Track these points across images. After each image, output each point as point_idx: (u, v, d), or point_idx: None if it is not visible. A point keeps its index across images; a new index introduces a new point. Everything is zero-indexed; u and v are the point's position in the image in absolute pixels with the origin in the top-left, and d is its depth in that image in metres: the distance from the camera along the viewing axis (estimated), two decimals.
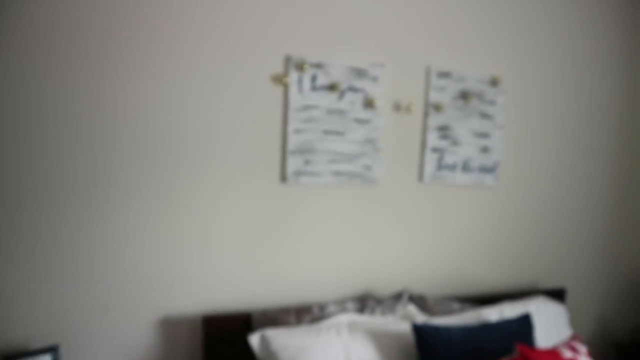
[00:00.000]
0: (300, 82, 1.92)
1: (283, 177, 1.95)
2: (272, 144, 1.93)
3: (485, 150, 2.31)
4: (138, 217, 1.78)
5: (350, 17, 1.99)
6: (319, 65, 1.94)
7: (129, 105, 1.73)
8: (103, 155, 1.72)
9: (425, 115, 2.18)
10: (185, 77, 1.78)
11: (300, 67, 1.90)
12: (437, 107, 2.17)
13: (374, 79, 2.04)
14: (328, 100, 1.97)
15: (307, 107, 1.94)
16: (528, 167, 2.42)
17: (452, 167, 2.25)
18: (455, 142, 2.24)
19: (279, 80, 1.90)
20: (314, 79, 1.94)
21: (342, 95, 1.99)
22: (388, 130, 2.10)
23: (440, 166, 2.22)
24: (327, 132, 1.98)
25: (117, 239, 1.76)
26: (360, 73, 2.02)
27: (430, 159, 2.20)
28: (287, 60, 1.91)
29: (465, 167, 2.28)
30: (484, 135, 2.30)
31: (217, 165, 1.86)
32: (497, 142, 2.33)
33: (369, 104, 2.04)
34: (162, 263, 1.82)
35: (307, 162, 1.96)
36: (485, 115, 2.29)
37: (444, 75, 2.19)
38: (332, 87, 1.97)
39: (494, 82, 2.28)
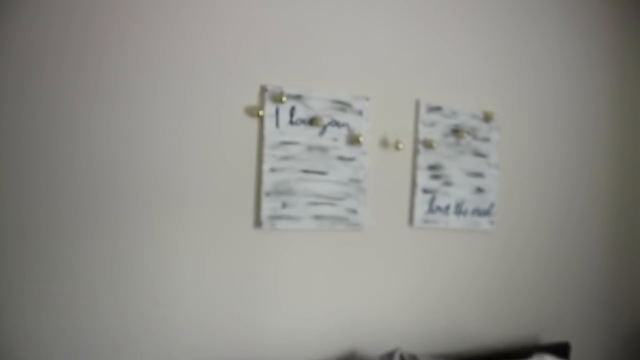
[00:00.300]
0: (277, 115, 1.72)
1: (257, 222, 1.72)
2: (245, 185, 1.70)
3: (479, 191, 2.12)
4: (84, 268, 1.51)
5: (333, 47, 1.82)
6: (298, 97, 1.75)
7: (95, 139, 1.49)
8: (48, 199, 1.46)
9: (415, 152, 1.99)
10: (149, 107, 1.56)
11: (277, 98, 1.70)
12: (428, 144, 1.99)
13: (359, 113, 1.86)
14: (308, 135, 1.77)
15: (284, 143, 1.73)
16: (525, 210, 2.24)
17: (444, 210, 2.05)
18: (447, 183, 2.05)
19: (254, 112, 1.69)
20: (292, 112, 1.74)
21: (323, 130, 1.80)
22: (375, 170, 1.90)
23: (432, 209, 2.02)
24: (307, 172, 1.77)
25: (60, 292, 1.48)
26: (343, 106, 1.83)
27: (421, 201, 2.00)
28: (263, 91, 1.71)
29: (459, 209, 2.08)
30: (478, 174, 2.12)
31: (180, 209, 1.61)
32: (492, 183, 2.15)
33: (353, 140, 1.84)
34: (110, 321, 1.54)
35: (284, 205, 1.73)
36: (478, 154, 2.12)
37: (434, 109, 2.02)
38: (312, 121, 1.77)
39: (487, 118, 2.12)
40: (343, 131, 1.83)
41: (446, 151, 2.05)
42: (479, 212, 2.12)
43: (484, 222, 2.13)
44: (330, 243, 1.83)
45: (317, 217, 1.79)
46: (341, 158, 1.83)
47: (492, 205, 2.15)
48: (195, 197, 1.63)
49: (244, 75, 1.69)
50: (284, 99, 1.70)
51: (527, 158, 2.24)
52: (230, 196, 1.68)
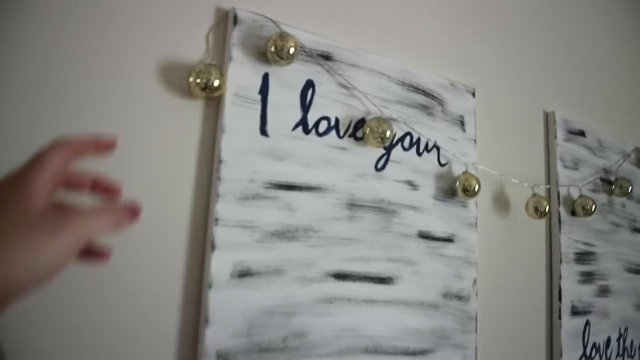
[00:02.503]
0: (263, 98, 0.55)
1: None
2: (156, 326, 0.48)
3: None
4: None
5: None
6: (327, 58, 0.60)
7: None
8: None
9: (553, 223, 0.90)
10: None
11: (270, 49, 0.54)
12: (577, 206, 0.91)
13: (459, 122, 0.74)
14: (349, 168, 0.61)
15: (282, 187, 0.55)
16: None
17: (603, 351, 0.94)
18: (604, 289, 0.96)
19: (195, 85, 0.51)
20: (307, 96, 0.58)
21: (386, 157, 0.65)
22: (489, 266, 0.77)
23: (586, 351, 0.90)
24: (342, 277, 0.59)
25: None
26: (427, 101, 0.70)
27: (570, 335, 0.88)
28: (224, 19, 0.55)
29: (622, 345, 0.98)
30: (638, 269, 1.06)
31: None
32: None
33: (452, 188, 0.71)
34: None
35: None
36: (636, 227, 1.07)
37: (576, 135, 0.97)
38: (357, 131, 0.62)
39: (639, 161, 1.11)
40: (429, 164, 0.69)
41: (598, 222, 0.98)
42: None
43: None
44: None
45: None
46: (426, 236, 0.67)
47: None
48: None
49: None
50: (289, 50, 0.54)
51: None
52: None
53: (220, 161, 0.52)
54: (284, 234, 0.55)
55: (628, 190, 1.00)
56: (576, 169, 0.95)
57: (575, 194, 0.92)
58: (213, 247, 0.51)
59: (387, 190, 0.64)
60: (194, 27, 0.54)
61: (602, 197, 1.00)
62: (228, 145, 0.53)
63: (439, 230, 0.68)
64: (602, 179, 1.01)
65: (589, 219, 0.94)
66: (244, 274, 0.52)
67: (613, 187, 1.01)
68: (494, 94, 0.84)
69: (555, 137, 0.92)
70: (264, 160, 0.55)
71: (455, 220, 0.70)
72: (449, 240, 0.69)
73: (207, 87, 0.50)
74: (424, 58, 0.73)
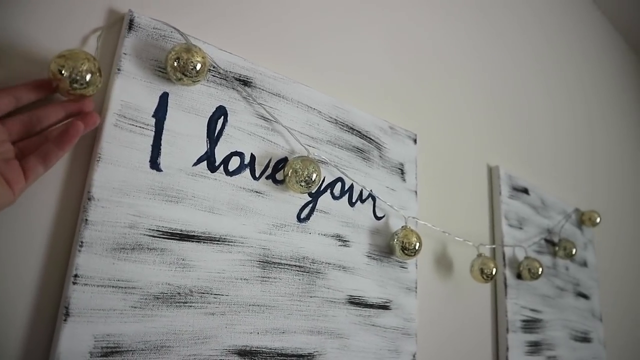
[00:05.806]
0: (159, 120, 0.44)
1: None
2: None
3: None
4: None
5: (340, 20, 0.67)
6: (246, 84, 0.50)
7: None
8: None
9: (499, 287, 0.82)
10: None
11: (171, 62, 0.44)
12: (523, 268, 0.84)
13: (398, 170, 0.66)
14: (265, 216, 0.50)
15: (172, 236, 0.43)
16: None
17: None
18: None
19: (55, 74, 0.39)
20: (217, 122, 0.48)
21: (313, 203, 0.54)
22: (430, 338, 0.67)
23: None
24: (246, 354, 0.46)
25: None
26: (363, 144, 0.62)
27: None
28: (119, 23, 0.44)
29: None
30: (585, 336, 1.01)
31: None
32: (599, 353, 1.05)
33: (389, 246, 0.61)
34: None
35: None
36: (579, 292, 1.03)
37: (519, 192, 0.92)
38: (277, 172, 0.51)
39: (583, 222, 1.09)
40: (363, 217, 0.60)
41: (545, 286, 0.92)
42: None
43: None
44: None
45: None
46: (357, 302, 0.56)
47: None
48: None
49: None
50: (195, 65, 0.44)
51: (631, 300, 1.22)
52: None
53: (89, 199, 0.40)
54: (173, 298, 0.42)
55: (572, 252, 0.95)
56: (521, 228, 0.89)
57: (520, 255, 0.86)
58: (66, 316, 0.37)
59: (311, 246, 0.53)
60: (78, 31, 0.43)
61: (546, 259, 0.94)
62: (103, 178, 0.40)
63: (373, 295, 0.58)
64: (546, 240, 0.96)
65: (535, 282, 0.87)
66: (110, 352, 0.38)
67: (557, 248, 0.96)
68: (436, 143, 0.77)
69: (500, 193, 0.86)
70: (152, 201, 0.43)
71: (392, 283, 0.60)
72: (384, 307, 0.59)
73: (75, 81, 0.38)
74: (361, 96, 0.66)
